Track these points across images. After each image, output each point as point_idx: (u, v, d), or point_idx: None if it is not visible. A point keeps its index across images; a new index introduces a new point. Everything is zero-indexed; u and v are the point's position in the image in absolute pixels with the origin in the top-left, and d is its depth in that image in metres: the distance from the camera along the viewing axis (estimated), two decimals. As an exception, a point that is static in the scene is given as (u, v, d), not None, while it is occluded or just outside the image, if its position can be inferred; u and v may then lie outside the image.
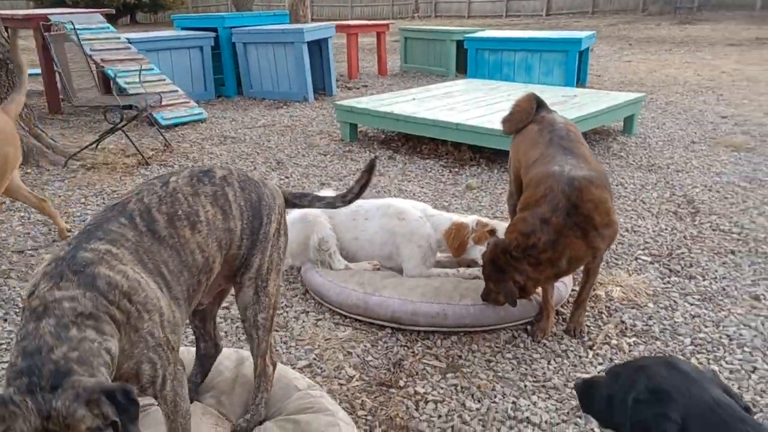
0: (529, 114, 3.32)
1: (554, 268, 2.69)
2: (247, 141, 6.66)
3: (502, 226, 3.21)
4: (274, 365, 2.26)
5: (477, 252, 3.19)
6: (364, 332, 3.01)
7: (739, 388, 2.55)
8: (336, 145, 6.44)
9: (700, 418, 1.29)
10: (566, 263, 2.69)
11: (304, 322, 3.13)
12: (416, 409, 2.48)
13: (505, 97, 6.58)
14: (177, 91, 7.59)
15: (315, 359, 2.82)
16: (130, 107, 6.05)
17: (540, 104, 3.37)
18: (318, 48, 9.10)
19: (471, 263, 3.36)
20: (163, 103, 6.80)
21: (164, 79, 7.65)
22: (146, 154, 5.93)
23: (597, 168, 2.88)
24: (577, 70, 8.79)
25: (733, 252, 3.79)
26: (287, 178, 5.41)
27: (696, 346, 2.85)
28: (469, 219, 3.23)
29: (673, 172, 5.34)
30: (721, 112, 7.63)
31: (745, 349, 2.81)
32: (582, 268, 2.90)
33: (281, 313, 3.20)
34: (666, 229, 4.15)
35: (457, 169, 5.53)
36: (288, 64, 8.63)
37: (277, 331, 3.04)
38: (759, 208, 4.47)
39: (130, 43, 7.84)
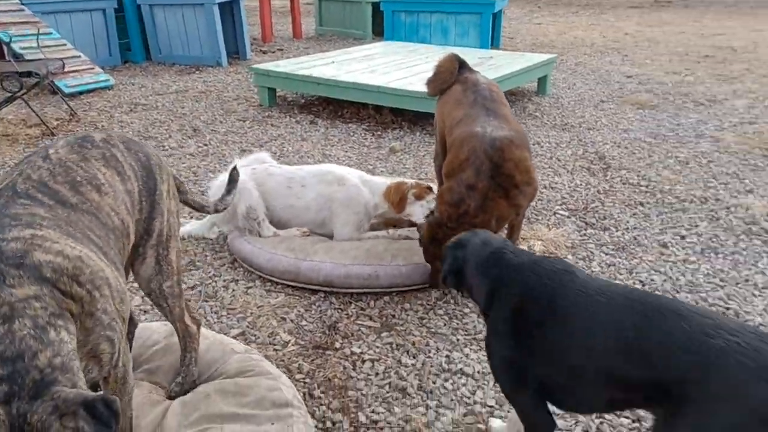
0: (452, 74, 3.36)
1: (486, 228, 2.78)
2: (160, 108, 6.39)
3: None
4: (198, 324, 2.20)
5: (417, 208, 3.19)
6: (297, 297, 3.01)
7: (652, 328, 2.74)
8: (254, 110, 6.29)
9: (473, 254, 1.89)
10: (495, 223, 2.78)
11: (234, 290, 3.08)
12: (353, 369, 2.51)
13: (423, 59, 6.61)
14: (80, 56, 7.14)
15: (248, 327, 2.79)
16: (29, 74, 5.64)
17: (462, 64, 3.41)
18: (230, 10, 8.78)
19: (398, 223, 3.40)
20: (66, 70, 6.38)
21: (65, 44, 7.17)
22: (51, 125, 5.58)
23: (517, 128, 2.96)
24: (491, 32, 8.92)
25: (641, 204, 4.02)
26: (206, 145, 5.25)
27: (612, 292, 3.02)
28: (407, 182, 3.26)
29: (584, 130, 5.57)
30: (626, 71, 7.99)
31: (657, 292, 3.02)
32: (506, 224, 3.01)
33: (210, 283, 3.14)
34: (581, 184, 4.34)
35: (379, 133, 5.54)
36: (199, 26, 8.29)
37: (206, 301, 2.98)
38: (663, 162, 4.76)
39: (23, 4, 7.27)
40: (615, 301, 1.52)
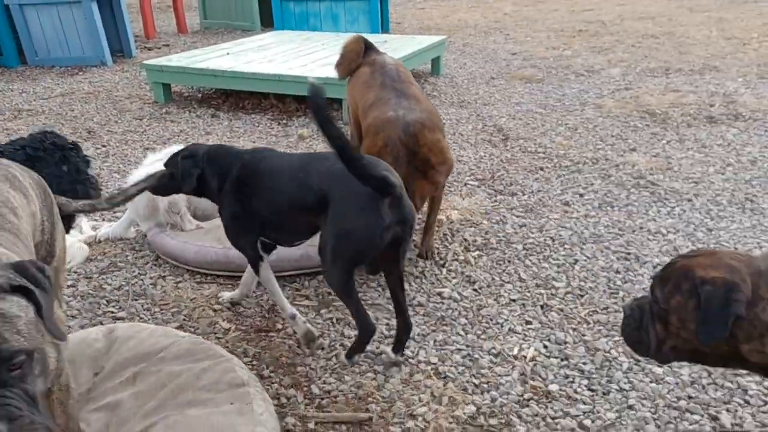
0: (358, 55, 3.46)
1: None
2: (47, 113, 6.04)
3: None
4: None
5: None
6: (230, 286, 3.01)
7: (566, 278, 3.00)
8: (150, 107, 6.09)
9: (209, 156, 2.53)
10: (419, 202, 2.94)
11: (163, 286, 3.04)
12: (298, 347, 2.58)
13: (320, 46, 6.66)
14: (-55, 62, 6.59)
15: (185, 320, 2.78)
16: None
17: (369, 46, 3.52)
18: (109, 6, 8.37)
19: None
20: (-67, 78, 5.87)
21: (-74, 50, 6.58)
22: (-76, 137, 5.14)
23: (428, 107, 3.11)
24: (380, 17, 9.09)
25: (542, 168, 4.33)
26: (104, 146, 5.04)
27: (527, 250, 3.27)
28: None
29: (481, 106, 5.86)
30: (510, 49, 8.42)
31: (566, 246, 3.29)
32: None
33: (136, 282, 3.07)
34: (485, 155, 4.59)
35: (285, 121, 5.55)
36: (77, 26, 7.85)
37: (136, 299, 2.93)
38: (555, 130, 5.11)
39: None
40: (294, 160, 2.40)
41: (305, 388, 2.35)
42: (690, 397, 2.23)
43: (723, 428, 2.10)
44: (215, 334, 2.67)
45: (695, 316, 1.58)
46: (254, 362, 2.48)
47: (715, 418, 2.14)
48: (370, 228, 2.17)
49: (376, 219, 2.16)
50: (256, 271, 2.61)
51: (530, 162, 4.45)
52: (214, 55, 6.34)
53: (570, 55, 7.91)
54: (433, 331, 2.65)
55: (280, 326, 2.72)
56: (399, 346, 2.45)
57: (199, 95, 6.50)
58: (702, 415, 2.15)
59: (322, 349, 2.56)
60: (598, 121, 5.28)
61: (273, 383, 2.37)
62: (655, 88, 6.20)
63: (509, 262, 3.16)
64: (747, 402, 2.20)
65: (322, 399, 2.29)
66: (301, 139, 5.07)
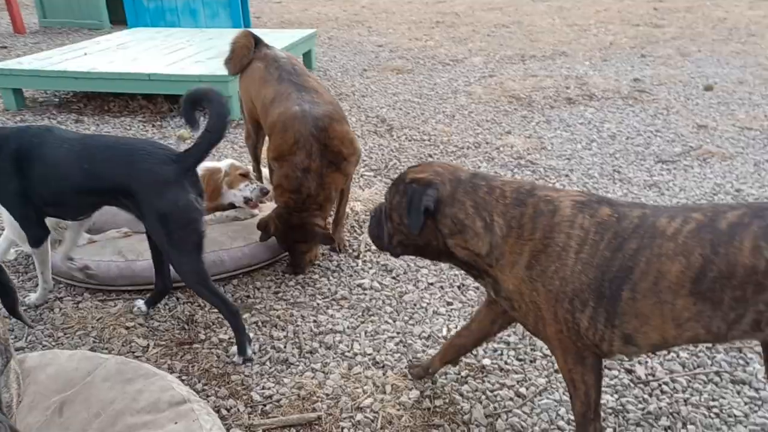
0: (249, 50, 3.37)
1: (330, 201, 2.96)
2: None
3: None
4: None
5: (231, 196, 3.18)
6: (141, 300, 2.83)
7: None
8: (1, 116, 5.50)
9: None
10: (335, 195, 2.96)
11: (62, 308, 2.79)
12: (227, 355, 2.49)
13: (185, 42, 6.36)
14: None
15: (96, 342, 2.58)
16: None
17: (257, 40, 3.43)
18: (-72, 4, 7.40)
19: (219, 207, 3.35)
20: None
21: None
22: None
23: (331, 99, 3.12)
24: (240, 11, 8.84)
25: (430, 155, 4.48)
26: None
27: (434, 235, 3.38)
28: (222, 164, 3.20)
29: (360, 98, 5.93)
30: (375, 41, 8.57)
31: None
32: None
33: (30, 309, 2.79)
34: (374, 146, 4.67)
35: (159, 123, 5.26)
36: None
37: (33, 327, 2.66)
38: (434, 117, 5.31)
39: None
40: (74, 145, 2.44)
41: (245, 397, 2.28)
42: (605, 354, 2.45)
43: (639, 379, 2.33)
44: (133, 353, 2.51)
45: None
46: (183, 377, 2.37)
47: (630, 371, 2.37)
48: (190, 206, 2.35)
49: (188, 196, 2.35)
50: (37, 245, 2.65)
51: (418, 150, 4.58)
52: (72, 55, 5.84)
53: (433, 45, 8.21)
54: (362, 322, 2.68)
55: (203, 336, 2.60)
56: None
57: (56, 100, 5.96)
58: (619, 370, 2.37)
59: (253, 353, 2.50)
60: (471, 107, 5.55)
61: (209, 396, 2.28)
62: (515, 74, 6.62)
63: (419, 248, 3.26)
64: (655, 353, 2.45)
65: (265, 405, 2.24)
66: (182, 140, 4.82)
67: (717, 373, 2.34)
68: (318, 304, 2.81)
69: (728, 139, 4.60)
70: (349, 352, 2.50)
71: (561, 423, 2.13)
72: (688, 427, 2.11)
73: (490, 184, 1.88)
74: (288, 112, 2.92)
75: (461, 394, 2.27)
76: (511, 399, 2.24)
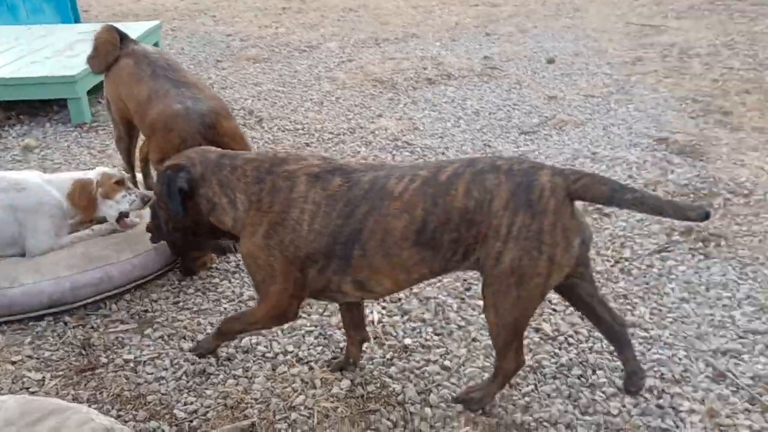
0: (115, 47, 3.12)
1: None
2: None
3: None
4: None
5: (107, 208, 2.90)
6: (20, 332, 2.55)
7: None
8: None
9: None
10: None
11: (-75, 354, 2.43)
12: (137, 375, 2.32)
13: (13, 41, 5.72)
14: None
15: (-23, 385, 2.28)
16: None
17: (123, 36, 3.18)
18: None
19: (99, 220, 3.08)
20: None
21: None
22: None
23: (212, 94, 2.97)
24: (69, 5, 8.10)
25: (308, 144, 4.44)
26: None
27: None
28: (93, 173, 2.91)
29: (220, 90, 5.69)
30: (223, 31, 8.25)
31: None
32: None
33: None
34: (250, 140, 4.52)
35: (-4, 133, 4.70)
36: None
37: None
38: (303, 105, 5.25)
39: None
40: None
41: (167, 416, 2.14)
42: (514, 318, 2.60)
43: (548, 335, 2.50)
44: (27, 389, 2.25)
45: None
46: (94, 405, 2.17)
47: (538, 330, 2.53)
48: None
49: None
50: None
51: (294, 140, 4.52)
52: None
53: (284, 32, 8.07)
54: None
55: (105, 359, 2.40)
56: None
57: None
58: (528, 330, 2.53)
59: (166, 369, 2.35)
60: (338, 93, 5.55)
61: (127, 422, 2.11)
62: (373, 57, 6.71)
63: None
64: (555, 310, 2.65)
65: (191, 421, 2.12)
66: (29, 150, 4.37)
67: (611, 320, 2.58)
68: (225, 308, 2.69)
69: (576, 107, 5.02)
70: (269, 353, 2.43)
71: (488, 388, 2.23)
72: (597, 372, 2.30)
73: (233, 164, 2.06)
74: (169, 110, 2.74)
75: (390, 377, 2.30)
76: (438, 373, 2.31)
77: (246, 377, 2.30)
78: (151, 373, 2.33)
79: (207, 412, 2.15)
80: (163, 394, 2.23)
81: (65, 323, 2.60)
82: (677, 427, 2.05)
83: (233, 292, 2.80)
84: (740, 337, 2.45)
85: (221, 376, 2.31)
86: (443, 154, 4.22)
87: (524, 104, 5.14)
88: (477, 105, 5.16)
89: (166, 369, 2.35)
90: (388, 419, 2.11)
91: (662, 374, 2.28)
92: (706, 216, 1.75)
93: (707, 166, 3.88)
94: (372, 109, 5.11)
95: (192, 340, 2.49)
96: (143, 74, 2.95)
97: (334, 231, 1.88)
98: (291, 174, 1.97)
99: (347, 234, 1.87)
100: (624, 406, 2.14)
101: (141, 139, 3.40)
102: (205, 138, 2.67)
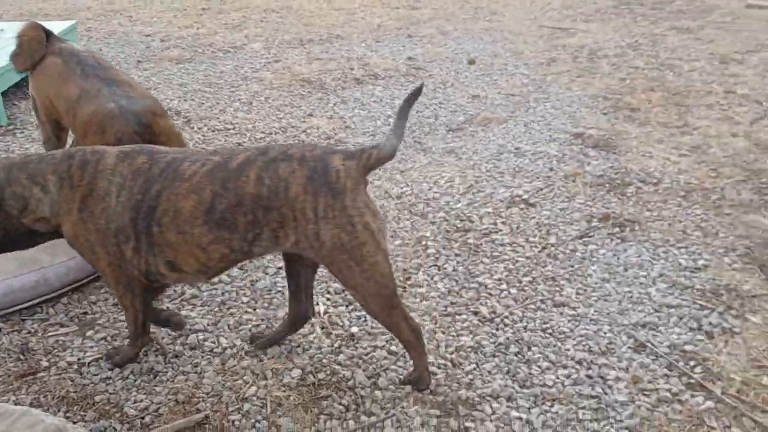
0: (41, 44, 3.03)
1: None
2: None
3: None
4: None
5: None
6: None
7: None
8: None
9: None
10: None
11: None
12: (82, 376, 2.30)
13: None
14: None
15: None
16: None
17: (49, 33, 3.09)
18: None
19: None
20: None
21: None
22: None
23: (145, 93, 2.95)
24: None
25: (240, 144, 4.43)
26: None
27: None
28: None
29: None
30: (141, 31, 8.04)
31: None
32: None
33: None
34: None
35: None
36: None
37: None
38: (231, 106, 5.22)
39: None
40: None
41: (117, 415, 2.13)
42: (453, 303, 2.74)
43: (485, 317, 2.65)
44: (-36, 398, 2.18)
45: None
46: (42, 408, 2.12)
47: (476, 313, 2.68)
48: None
49: None
50: None
51: (225, 139, 4.50)
52: None
53: (206, 33, 7.96)
54: (222, 316, 2.63)
55: (46, 363, 2.35)
56: None
57: None
58: (467, 314, 2.67)
59: (111, 369, 2.33)
60: (266, 93, 5.56)
61: (76, 422, 2.09)
62: (299, 58, 6.74)
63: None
64: (490, 294, 2.80)
65: (143, 417, 2.12)
66: (-59, 155, 4.14)
67: (542, 300, 2.76)
68: (167, 307, 2.68)
69: (498, 106, 5.25)
70: (217, 348, 2.45)
71: (433, 369, 2.34)
72: (533, 348, 2.47)
73: (41, 156, 2.13)
74: (102, 110, 2.70)
75: (340, 364, 2.38)
76: (385, 358, 2.41)
77: (195, 372, 2.32)
78: (97, 374, 2.30)
79: (158, 408, 2.16)
80: (111, 394, 2.22)
81: (0, 329, 2.52)
82: (605, 393, 2.24)
83: (174, 291, 2.79)
84: (656, 311, 2.68)
85: (170, 373, 2.32)
86: (375, 151, 4.32)
87: (450, 103, 5.32)
88: (404, 104, 5.29)
89: (112, 369, 2.32)
90: (340, 404, 2.19)
91: (590, 347, 2.47)
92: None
93: (620, 158, 4.17)
94: (302, 109, 5.15)
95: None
96: (72, 73, 2.88)
97: (135, 205, 2.00)
98: (99, 150, 2.10)
99: (146, 210, 1.99)
100: (558, 378, 2.31)
101: (71, 137, 3.32)
102: (141, 137, 2.65)
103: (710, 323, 2.59)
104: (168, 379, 2.28)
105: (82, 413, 2.12)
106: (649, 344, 2.48)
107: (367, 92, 5.60)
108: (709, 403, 2.19)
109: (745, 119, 4.76)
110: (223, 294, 2.78)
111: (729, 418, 2.13)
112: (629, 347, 2.48)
